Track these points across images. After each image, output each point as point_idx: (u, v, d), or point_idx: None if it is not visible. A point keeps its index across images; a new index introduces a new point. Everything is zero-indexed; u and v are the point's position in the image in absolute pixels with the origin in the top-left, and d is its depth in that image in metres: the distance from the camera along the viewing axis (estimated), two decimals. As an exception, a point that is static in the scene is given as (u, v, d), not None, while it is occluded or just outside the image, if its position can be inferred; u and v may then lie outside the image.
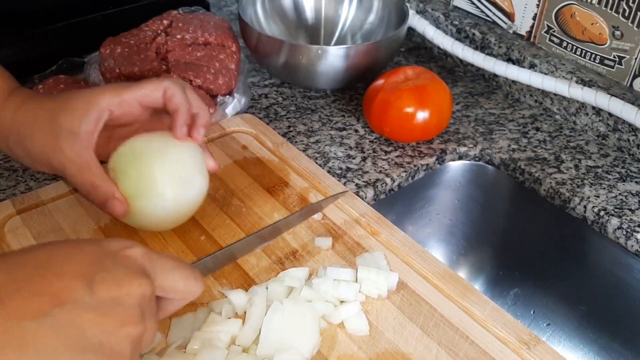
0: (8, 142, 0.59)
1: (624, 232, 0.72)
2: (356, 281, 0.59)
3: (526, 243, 0.87)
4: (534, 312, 0.89)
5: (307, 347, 0.52)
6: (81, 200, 0.68)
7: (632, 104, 0.78)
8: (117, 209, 0.57)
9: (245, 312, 0.56)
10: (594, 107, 0.84)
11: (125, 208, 0.57)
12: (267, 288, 0.58)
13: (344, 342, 0.55)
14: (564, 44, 0.90)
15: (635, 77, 0.83)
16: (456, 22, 0.99)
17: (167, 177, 0.58)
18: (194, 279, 0.44)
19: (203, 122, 0.62)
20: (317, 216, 0.68)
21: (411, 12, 0.97)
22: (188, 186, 0.60)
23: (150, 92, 0.59)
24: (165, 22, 0.86)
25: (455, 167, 0.85)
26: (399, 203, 0.83)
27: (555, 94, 0.89)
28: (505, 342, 0.56)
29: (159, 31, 0.83)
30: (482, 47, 0.96)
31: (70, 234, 0.64)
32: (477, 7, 1.00)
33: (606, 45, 0.86)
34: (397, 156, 0.81)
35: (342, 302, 0.58)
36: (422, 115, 0.79)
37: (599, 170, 0.80)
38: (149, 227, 0.63)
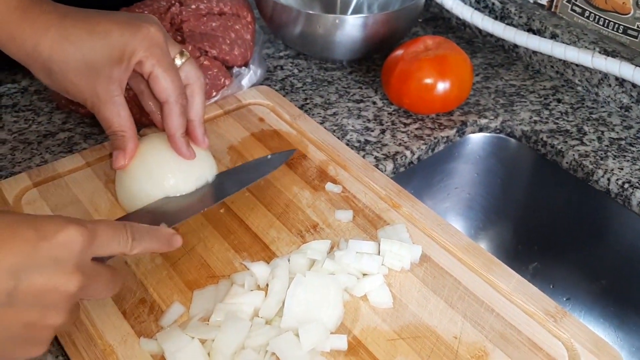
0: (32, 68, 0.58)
1: (649, 205, 0.71)
2: (378, 254, 0.59)
3: (546, 217, 0.86)
4: (553, 287, 0.88)
5: (331, 319, 0.52)
6: (98, 173, 0.67)
7: (659, 74, 0.76)
8: (116, 163, 0.60)
9: (267, 285, 0.55)
10: (617, 78, 0.82)
11: (123, 165, 0.60)
12: (289, 260, 0.57)
13: (367, 314, 0.54)
14: (586, 13, 0.88)
15: (661, 46, 0.81)
16: (475, -8, 0.97)
17: (173, 181, 0.60)
18: (124, 232, 0.45)
19: (199, 114, 0.62)
20: (337, 189, 0.67)
21: (429, -19, 0.95)
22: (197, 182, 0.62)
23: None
24: (179, -8, 0.84)
25: (476, 139, 0.84)
26: (417, 177, 0.82)
27: (577, 65, 0.86)
28: (532, 315, 0.55)
29: (173, 1, 0.82)
30: (502, 17, 0.94)
31: (88, 206, 0.63)
32: (497, -24, 0.97)
33: (630, 15, 0.83)
34: (416, 128, 0.80)
35: (364, 275, 0.57)
36: (442, 86, 0.77)
37: (623, 142, 0.79)
38: None
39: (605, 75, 0.84)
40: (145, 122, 0.70)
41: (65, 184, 0.66)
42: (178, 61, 0.60)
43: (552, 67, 0.90)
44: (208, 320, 0.52)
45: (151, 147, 0.61)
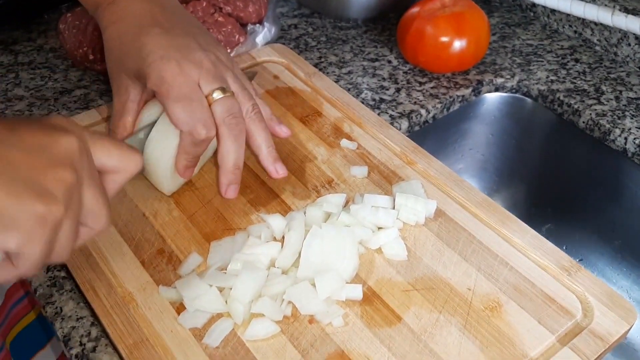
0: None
1: (666, 164, 0.71)
2: (393, 208, 0.59)
3: (561, 178, 0.86)
4: (566, 248, 0.88)
5: (347, 270, 0.52)
6: (115, 128, 0.68)
7: (680, 32, 0.75)
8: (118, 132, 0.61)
9: (283, 237, 0.56)
10: (636, 37, 0.81)
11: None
12: (304, 213, 0.57)
13: (382, 266, 0.55)
14: (607, -29, 0.86)
15: (683, 4, 0.80)
16: (493, -50, 0.95)
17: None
18: (127, 147, 0.44)
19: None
20: (352, 145, 0.67)
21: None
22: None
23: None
24: (193, -52, 0.83)
25: (492, 99, 0.83)
26: (432, 137, 0.82)
27: (596, 24, 0.85)
28: (546, 269, 0.55)
29: (188, -42, 0.81)
30: (520, -25, 0.93)
31: (106, 161, 0.64)
32: None
33: (652, -29, 0.82)
34: (432, 87, 0.79)
35: (379, 228, 0.57)
36: (458, 44, 0.76)
37: (641, 102, 0.78)
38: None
39: (625, 34, 0.82)
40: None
41: (83, 139, 0.66)
42: (217, 95, 0.55)
43: (570, 26, 0.89)
44: (225, 270, 0.53)
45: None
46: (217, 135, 0.56)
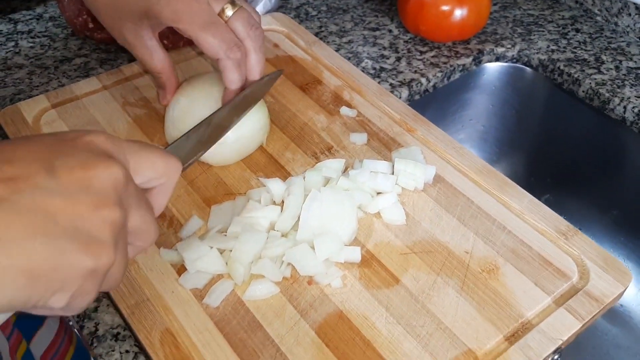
0: None
1: (665, 133, 0.71)
2: (392, 174, 0.59)
3: (560, 148, 0.86)
4: (564, 218, 0.88)
5: (346, 233, 0.53)
6: (115, 95, 0.68)
7: (681, 0, 0.75)
8: (160, 101, 0.61)
9: (282, 201, 0.56)
10: (637, 7, 0.81)
11: (165, 102, 0.61)
12: (304, 178, 0.58)
13: (381, 230, 0.55)
14: (610, -60, 0.86)
15: (685, -27, 0.79)
16: None
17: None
18: (167, 155, 0.39)
19: (253, 74, 0.58)
20: (352, 112, 0.67)
21: None
22: (246, 123, 0.59)
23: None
24: None
25: (492, 69, 0.83)
26: (432, 106, 0.82)
27: (598, -6, 0.85)
28: (543, 233, 0.56)
29: None
30: (522, -56, 0.92)
31: (106, 127, 0.64)
32: None
33: (655, -60, 0.81)
34: (432, 56, 0.79)
35: (378, 193, 0.58)
36: (459, 13, 0.76)
37: (641, 71, 0.78)
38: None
39: (625, 4, 0.82)
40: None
41: (83, 106, 0.67)
42: (229, 11, 0.55)
43: (572, -4, 0.89)
44: (225, 233, 0.53)
45: (202, 88, 0.60)
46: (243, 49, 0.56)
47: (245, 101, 0.57)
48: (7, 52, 0.77)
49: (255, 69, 0.57)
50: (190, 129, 0.51)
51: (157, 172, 0.38)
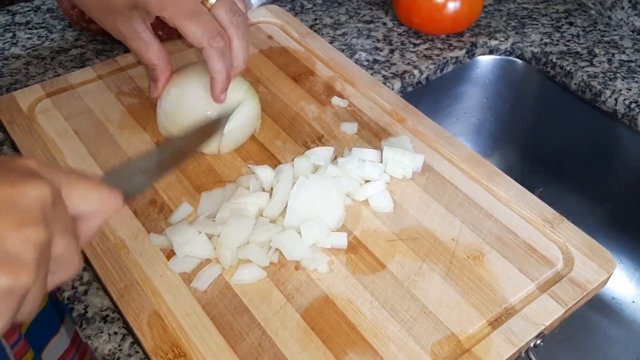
0: None
1: (656, 125, 0.71)
2: (381, 162, 0.60)
3: (553, 141, 0.86)
4: (558, 211, 0.89)
5: (333, 219, 0.53)
6: (109, 85, 0.69)
7: (674, -7, 0.75)
8: (151, 94, 0.61)
9: (271, 188, 0.57)
10: (630, 1, 0.81)
11: (155, 96, 0.61)
12: (293, 166, 0.58)
13: (368, 217, 0.56)
14: None
15: (678, -34, 0.79)
16: None
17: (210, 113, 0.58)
18: (105, 188, 0.37)
19: (238, 60, 0.58)
20: (343, 103, 0.68)
21: None
22: (237, 116, 0.59)
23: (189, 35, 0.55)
24: None
25: (485, 62, 0.84)
26: (426, 100, 0.82)
27: (592, -12, 0.85)
28: (529, 221, 0.56)
29: None
30: (518, -61, 0.92)
31: (100, 115, 0.65)
32: None
33: None
34: (426, 49, 0.80)
35: (366, 181, 0.58)
36: (453, 5, 0.77)
37: (633, 64, 0.78)
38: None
39: (620, -2, 0.82)
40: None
41: (78, 95, 0.67)
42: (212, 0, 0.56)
43: (566, -10, 0.89)
44: (214, 219, 0.54)
45: (192, 78, 0.60)
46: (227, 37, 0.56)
47: (209, 127, 0.54)
48: (4, 43, 0.78)
49: (239, 56, 0.57)
50: (141, 155, 0.45)
51: (90, 204, 0.36)
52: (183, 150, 0.50)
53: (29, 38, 0.79)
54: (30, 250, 0.31)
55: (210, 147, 0.61)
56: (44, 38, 0.79)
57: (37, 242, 0.31)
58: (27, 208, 0.31)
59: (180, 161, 0.50)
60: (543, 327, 0.48)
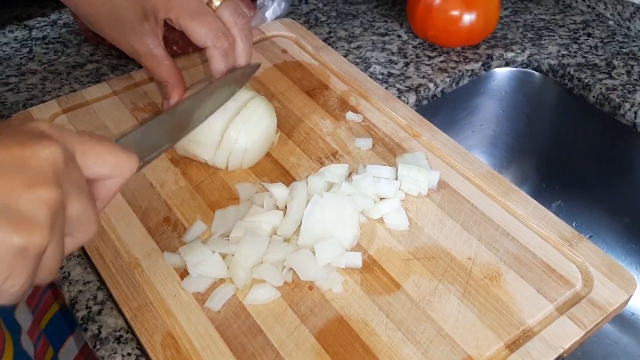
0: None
1: (676, 139, 0.70)
2: (396, 179, 0.59)
3: (571, 153, 0.85)
4: (575, 224, 0.88)
5: (347, 238, 0.53)
6: (124, 101, 0.69)
7: (694, 4, 0.74)
8: (165, 110, 0.59)
9: (285, 206, 0.56)
10: (651, 11, 0.80)
11: (167, 107, 0.60)
12: (307, 183, 0.58)
13: (383, 236, 0.55)
14: (623, -56, 0.85)
15: (699, -23, 0.78)
16: None
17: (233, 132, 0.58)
18: (121, 150, 0.37)
19: (241, 61, 0.58)
20: (357, 118, 0.67)
21: None
22: (256, 132, 0.60)
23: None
24: None
25: (502, 74, 0.83)
26: (441, 112, 0.82)
27: (610, -2, 0.84)
28: (547, 239, 0.55)
29: None
30: (534, -51, 0.91)
31: (115, 131, 0.65)
32: None
33: (669, -56, 0.80)
34: (441, 61, 0.79)
35: (381, 199, 0.58)
36: (468, 18, 0.76)
37: (653, 76, 0.77)
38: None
39: (638, 8, 0.81)
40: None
41: (93, 111, 0.68)
42: (217, 1, 0.57)
43: (583, 0, 0.88)
44: (228, 237, 0.54)
45: None
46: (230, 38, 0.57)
47: (211, 89, 0.56)
48: (21, 58, 0.79)
49: (243, 57, 0.58)
50: (151, 120, 0.46)
51: (105, 167, 0.37)
52: (195, 116, 0.52)
53: (45, 53, 0.80)
54: (42, 210, 0.31)
55: (232, 164, 0.60)
56: (60, 53, 0.80)
57: (50, 202, 0.31)
58: (38, 169, 0.32)
59: (193, 127, 0.52)
60: (562, 351, 0.47)
